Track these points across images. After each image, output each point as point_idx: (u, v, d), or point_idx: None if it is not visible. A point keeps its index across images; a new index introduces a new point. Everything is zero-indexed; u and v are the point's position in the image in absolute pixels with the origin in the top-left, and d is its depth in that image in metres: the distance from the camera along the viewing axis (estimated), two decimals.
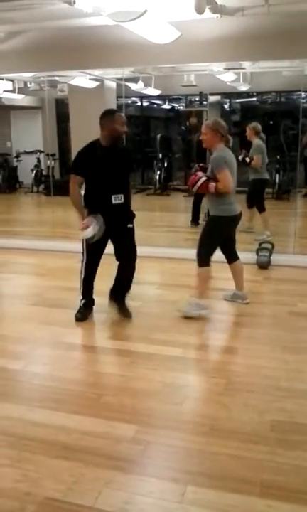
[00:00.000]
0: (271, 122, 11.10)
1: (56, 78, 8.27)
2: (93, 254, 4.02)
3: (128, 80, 8.77)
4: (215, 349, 3.66)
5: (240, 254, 4.30)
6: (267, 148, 6.91)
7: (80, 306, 4.18)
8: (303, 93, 10.15)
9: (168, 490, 2.21)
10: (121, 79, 8.13)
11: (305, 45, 5.19)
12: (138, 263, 3.98)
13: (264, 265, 5.50)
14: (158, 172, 10.93)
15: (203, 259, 4.08)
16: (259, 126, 6.79)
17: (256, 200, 6.69)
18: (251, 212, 6.74)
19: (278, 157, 9.14)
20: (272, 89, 10.39)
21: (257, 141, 6.69)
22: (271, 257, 5.56)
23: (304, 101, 10.62)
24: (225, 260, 4.31)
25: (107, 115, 3.84)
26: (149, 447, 2.49)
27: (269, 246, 5.68)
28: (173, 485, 2.24)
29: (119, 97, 8.91)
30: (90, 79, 8.48)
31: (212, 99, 11.08)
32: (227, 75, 8.38)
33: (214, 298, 4.41)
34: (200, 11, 4.14)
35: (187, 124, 11.20)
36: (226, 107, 12.13)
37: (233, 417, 2.75)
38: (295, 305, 4.40)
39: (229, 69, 7.68)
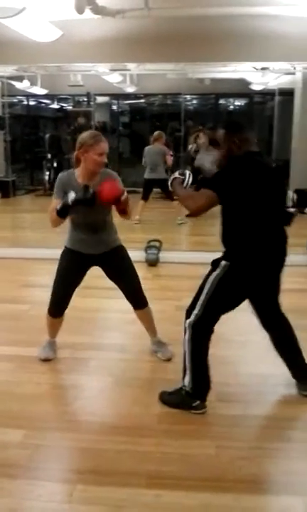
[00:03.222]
0: (158, 124, 11.37)
1: None
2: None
3: (13, 78, 8.55)
4: (106, 347, 3.66)
5: (129, 253, 4.31)
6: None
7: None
8: (188, 96, 10.56)
9: (57, 491, 2.20)
10: (3, 77, 7.91)
11: (185, 50, 5.39)
12: (28, 265, 3.83)
13: (152, 262, 5.63)
14: (48, 172, 10.71)
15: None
16: (154, 134, 7.86)
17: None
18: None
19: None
20: (157, 91, 10.69)
21: None
22: (160, 255, 5.71)
23: (188, 103, 11.03)
24: None
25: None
26: (38, 451, 2.46)
27: (157, 244, 5.83)
28: (62, 486, 2.24)
29: (2, 95, 8.66)
30: None
31: (100, 99, 11.13)
32: (113, 76, 8.48)
33: (105, 297, 4.43)
34: (80, 10, 4.14)
35: (76, 124, 11.13)
36: (114, 108, 12.23)
37: (122, 412, 2.80)
38: (181, 300, 4.53)
39: (114, 70, 7.78)
